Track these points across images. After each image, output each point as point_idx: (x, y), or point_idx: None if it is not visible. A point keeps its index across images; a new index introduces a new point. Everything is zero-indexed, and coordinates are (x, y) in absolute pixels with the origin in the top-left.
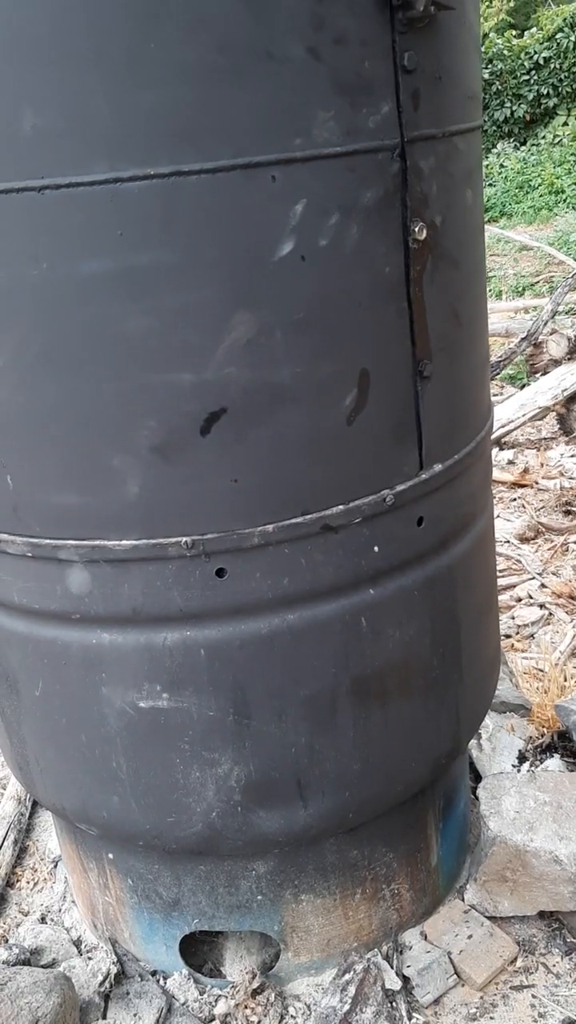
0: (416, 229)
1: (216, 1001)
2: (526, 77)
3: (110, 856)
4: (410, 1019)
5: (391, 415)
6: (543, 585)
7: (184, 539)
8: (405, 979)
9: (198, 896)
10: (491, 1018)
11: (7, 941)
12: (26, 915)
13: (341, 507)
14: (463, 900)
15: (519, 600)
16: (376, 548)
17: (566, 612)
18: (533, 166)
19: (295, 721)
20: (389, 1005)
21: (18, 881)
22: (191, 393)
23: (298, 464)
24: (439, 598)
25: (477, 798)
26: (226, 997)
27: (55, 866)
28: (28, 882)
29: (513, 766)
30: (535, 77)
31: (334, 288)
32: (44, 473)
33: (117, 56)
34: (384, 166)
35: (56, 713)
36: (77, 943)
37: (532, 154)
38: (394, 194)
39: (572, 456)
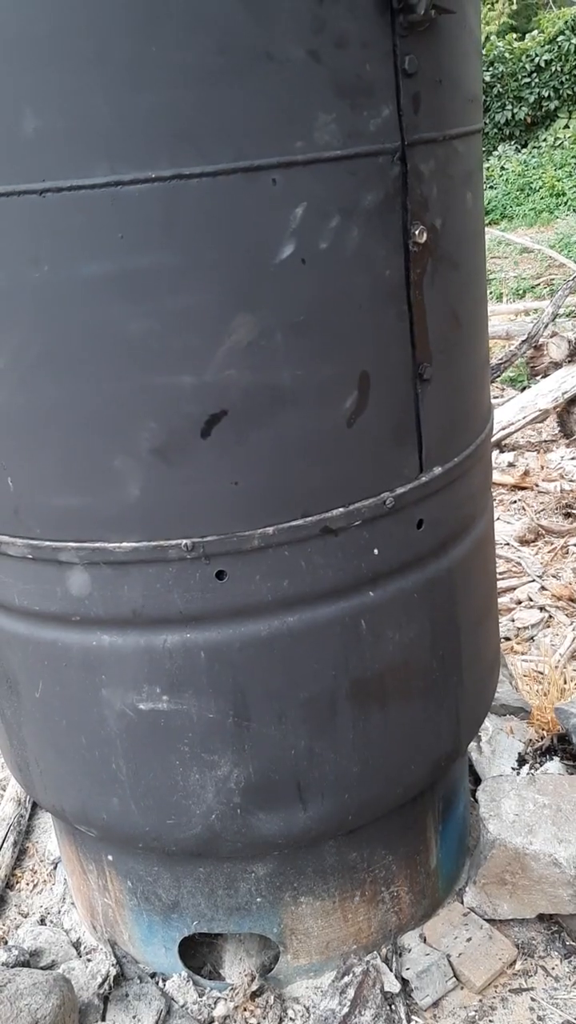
0: (416, 232)
1: (215, 1003)
2: (527, 80)
3: (109, 858)
4: (409, 1022)
5: (391, 417)
6: (543, 588)
7: (184, 541)
8: (404, 982)
9: (197, 898)
10: (490, 1021)
11: (6, 943)
12: (25, 917)
13: (341, 509)
14: (462, 903)
15: (519, 603)
16: (376, 550)
17: (566, 615)
18: (534, 169)
19: (295, 723)
20: (388, 1008)
21: (18, 883)
22: (192, 395)
23: (298, 466)
24: (439, 600)
25: (476, 800)
26: (225, 999)
27: (55, 868)
28: (28, 884)
29: (512, 769)
30: (536, 80)
31: (334, 291)
32: (45, 475)
33: (117, 58)
34: (384, 169)
35: (56, 715)
36: (76, 945)
37: (533, 157)
38: (394, 197)
39: (572, 459)
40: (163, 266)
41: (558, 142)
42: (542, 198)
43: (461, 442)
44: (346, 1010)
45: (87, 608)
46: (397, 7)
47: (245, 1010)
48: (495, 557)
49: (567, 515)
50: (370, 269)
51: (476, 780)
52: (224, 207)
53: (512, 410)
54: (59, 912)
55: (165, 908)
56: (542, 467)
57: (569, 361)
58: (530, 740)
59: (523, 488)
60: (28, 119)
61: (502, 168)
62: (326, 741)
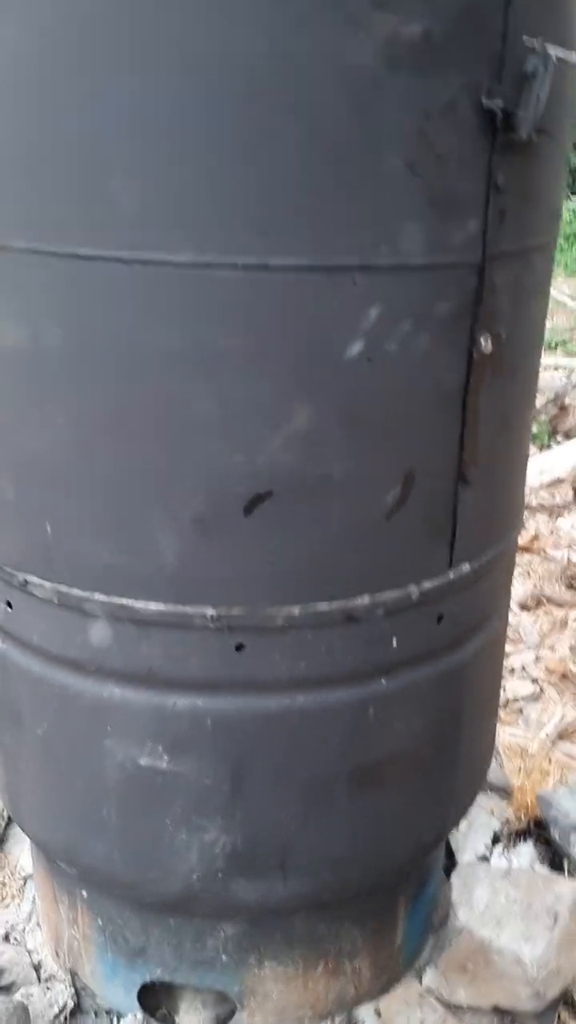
0: (483, 342)
1: None
2: None
3: (84, 894)
4: None
5: (429, 514)
6: (538, 658)
7: (211, 611)
8: None
9: (164, 948)
10: None
11: None
12: None
13: (368, 598)
14: (420, 982)
15: (512, 671)
16: (394, 641)
17: (557, 692)
18: None
19: (289, 800)
20: None
21: None
22: (242, 474)
23: (333, 553)
24: (447, 694)
25: (448, 878)
26: None
27: (24, 883)
28: None
29: (486, 845)
30: None
31: (395, 391)
32: (84, 528)
33: (225, 149)
34: (462, 280)
35: (55, 754)
36: (37, 967)
37: None
38: (467, 307)
39: None
40: (236, 350)
41: None
42: None
43: (492, 540)
44: None
45: (104, 659)
46: (501, 128)
47: None
48: (504, 652)
49: (571, 586)
50: (432, 373)
51: (448, 852)
52: (303, 301)
53: (529, 471)
54: (24, 931)
55: (131, 952)
56: (551, 532)
57: None
58: (507, 820)
59: (530, 552)
60: (125, 193)
61: None
62: (317, 821)
